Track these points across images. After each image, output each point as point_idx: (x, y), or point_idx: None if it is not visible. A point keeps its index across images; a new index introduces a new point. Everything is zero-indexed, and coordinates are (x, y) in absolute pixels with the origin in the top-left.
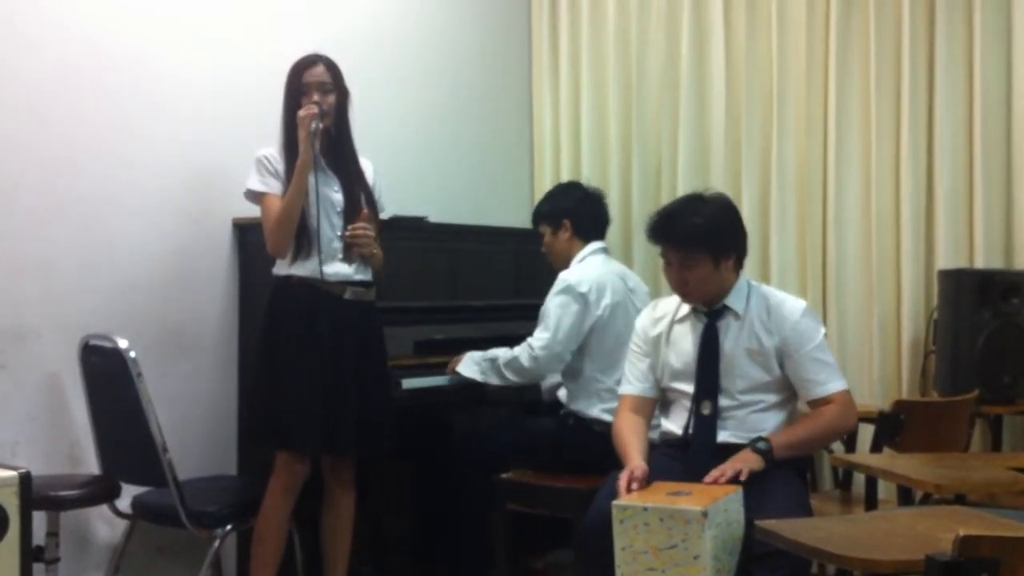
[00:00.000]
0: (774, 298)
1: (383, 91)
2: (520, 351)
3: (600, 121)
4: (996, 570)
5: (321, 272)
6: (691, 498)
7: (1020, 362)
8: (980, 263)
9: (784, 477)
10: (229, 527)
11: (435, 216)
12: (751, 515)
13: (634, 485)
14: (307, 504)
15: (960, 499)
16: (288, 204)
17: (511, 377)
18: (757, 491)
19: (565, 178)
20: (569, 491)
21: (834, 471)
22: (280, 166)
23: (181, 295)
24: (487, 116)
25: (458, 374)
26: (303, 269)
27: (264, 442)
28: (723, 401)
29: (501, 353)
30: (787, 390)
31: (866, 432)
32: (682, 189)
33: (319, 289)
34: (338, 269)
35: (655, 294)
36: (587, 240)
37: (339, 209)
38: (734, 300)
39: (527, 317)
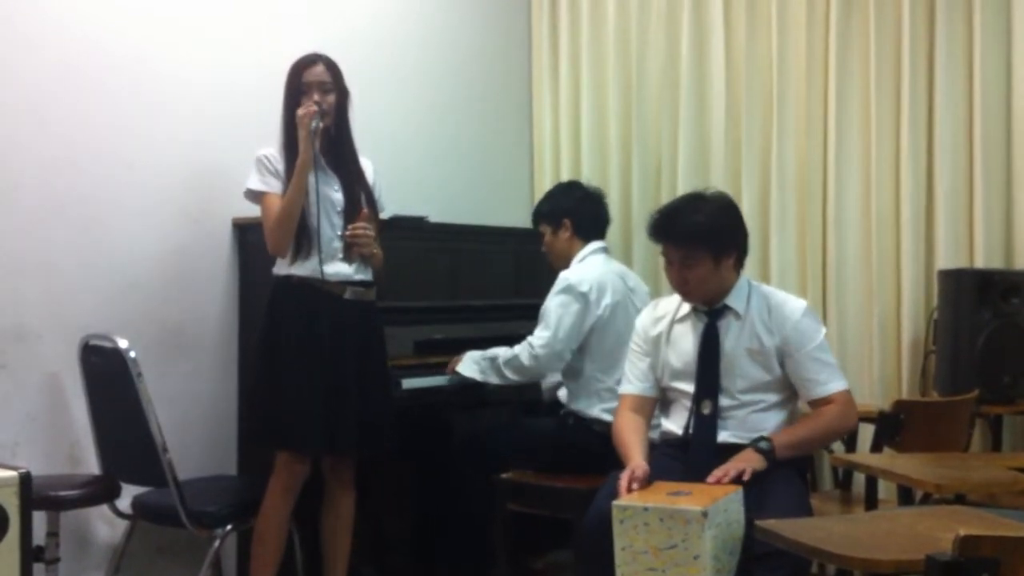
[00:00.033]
0: (775, 298)
1: (383, 91)
2: (520, 350)
3: (600, 121)
4: (996, 570)
5: (321, 272)
6: (691, 498)
7: (1020, 362)
8: (980, 263)
9: (784, 477)
10: (229, 527)
11: (435, 216)
12: (751, 515)
13: (634, 485)
14: (307, 504)
15: (960, 499)
16: (288, 203)
17: (511, 376)
18: (757, 491)
19: (565, 178)
20: (569, 491)
21: (834, 471)
22: (280, 165)
23: (181, 295)
24: (487, 116)
25: (458, 374)
26: (303, 269)
27: (264, 442)
28: (723, 401)
29: (501, 352)
30: (787, 390)
31: (866, 432)
32: (682, 189)
33: (319, 289)
34: (338, 269)
35: (655, 294)
36: (587, 240)
37: (339, 209)
38: (735, 300)
39: (527, 317)
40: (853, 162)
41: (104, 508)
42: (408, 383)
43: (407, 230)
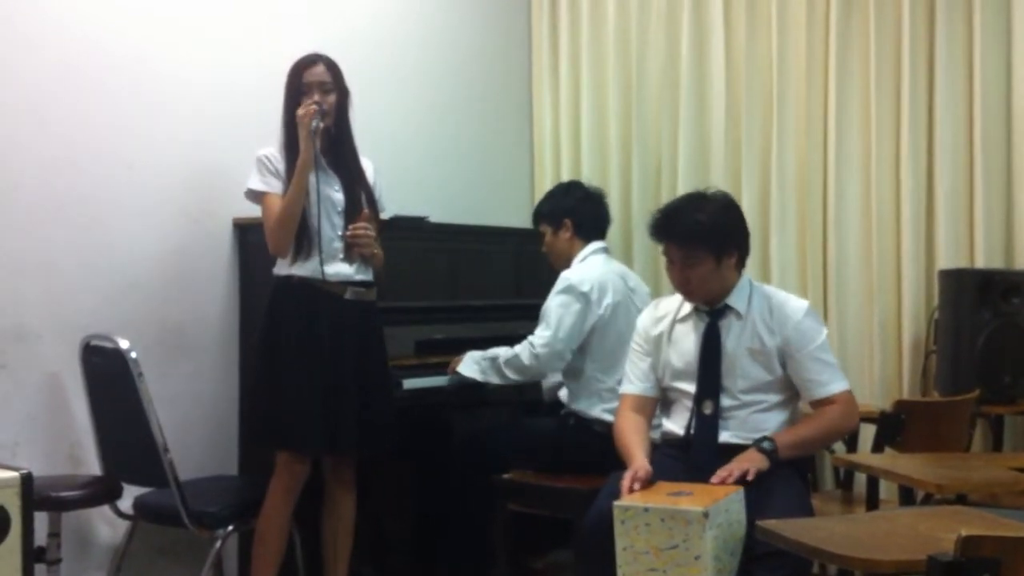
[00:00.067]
0: (776, 298)
1: (383, 91)
2: (521, 349)
3: (600, 121)
4: (998, 570)
5: (322, 272)
6: (692, 498)
7: (1021, 362)
8: (980, 263)
9: (785, 477)
10: (230, 528)
11: (435, 216)
12: (752, 515)
13: (636, 485)
14: (308, 505)
15: (961, 499)
16: (289, 203)
17: (511, 376)
18: (758, 491)
19: (565, 178)
20: (570, 491)
21: (835, 471)
22: (281, 165)
23: (182, 295)
24: (487, 116)
25: (459, 374)
26: (304, 269)
27: (265, 442)
28: (725, 401)
29: (502, 352)
30: (789, 390)
31: (867, 432)
32: (682, 189)
33: (320, 289)
34: (339, 269)
35: (655, 294)
36: (588, 240)
37: (340, 209)
38: (736, 299)
39: (528, 317)
40: (853, 162)
41: (105, 509)
42: (409, 383)
43: (407, 230)
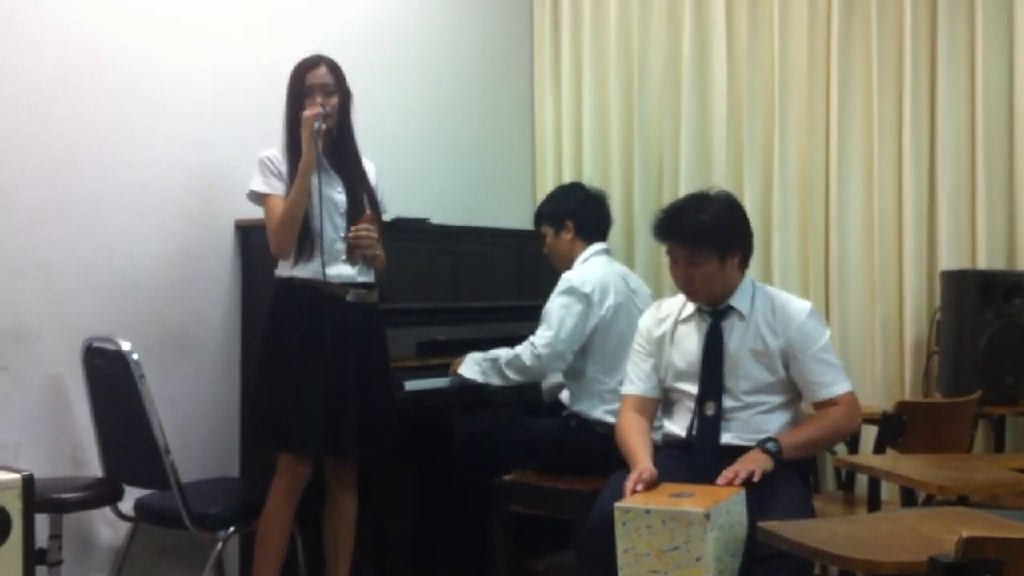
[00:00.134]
0: (779, 299)
1: (384, 91)
2: (522, 349)
3: (602, 121)
4: (1000, 571)
5: (324, 274)
6: (693, 500)
7: (1022, 363)
8: (982, 264)
9: (787, 479)
10: (232, 529)
11: (437, 217)
12: (753, 516)
13: (640, 487)
14: (309, 506)
15: (963, 500)
16: (291, 205)
17: (512, 376)
18: (760, 493)
19: (567, 178)
20: (571, 492)
21: (837, 472)
22: (283, 167)
23: (183, 297)
24: (488, 116)
25: (460, 376)
26: (306, 271)
27: (266, 443)
28: (727, 402)
29: (503, 353)
30: (791, 391)
31: (869, 433)
32: (684, 189)
33: (321, 291)
34: (341, 271)
35: (657, 295)
36: (589, 241)
37: (342, 210)
38: (739, 300)
39: (529, 318)
40: (855, 162)
41: (106, 510)
42: (410, 385)
43: (409, 232)
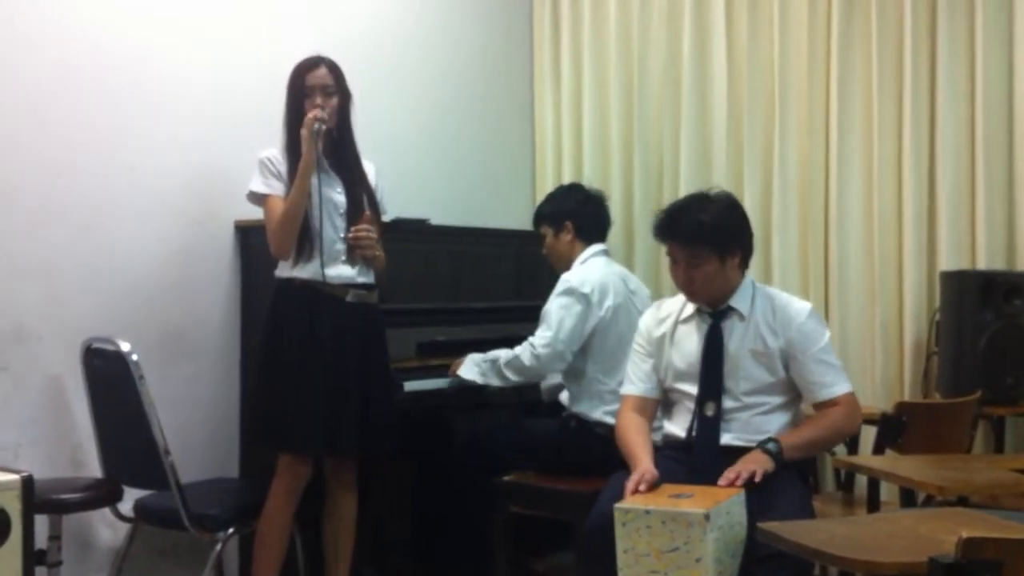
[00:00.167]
0: (779, 299)
1: (384, 92)
2: (521, 350)
3: (602, 121)
4: (999, 572)
5: (323, 274)
6: (693, 500)
7: (1022, 363)
8: (982, 264)
9: (787, 479)
10: (231, 530)
11: (436, 218)
12: (753, 517)
13: (642, 487)
14: (309, 506)
15: (963, 501)
16: (291, 206)
17: (512, 377)
18: (760, 493)
19: (567, 179)
20: (571, 493)
21: (836, 473)
22: (283, 168)
23: (183, 298)
24: (488, 117)
25: (459, 377)
26: (305, 271)
27: (266, 444)
28: (727, 403)
29: (502, 354)
30: (791, 392)
31: (868, 434)
32: (684, 189)
33: (321, 291)
34: (340, 271)
35: (656, 295)
36: (589, 242)
37: (342, 211)
38: (739, 301)
39: (529, 319)
40: (855, 162)
41: (106, 511)
42: (410, 385)
43: (409, 232)
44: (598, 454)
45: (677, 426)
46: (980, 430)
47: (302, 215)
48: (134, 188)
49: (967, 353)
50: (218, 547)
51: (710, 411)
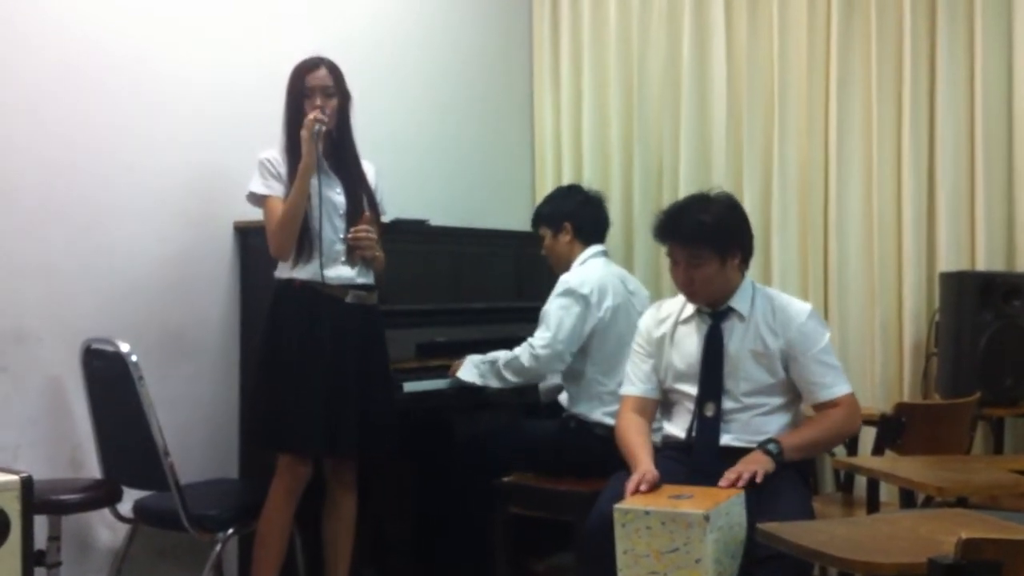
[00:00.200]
0: (779, 300)
1: (383, 92)
2: (521, 351)
3: (601, 122)
4: (999, 573)
5: (322, 275)
6: (693, 501)
7: (1022, 364)
8: (982, 265)
9: (787, 480)
10: (231, 531)
11: (436, 219)
12: (753, 518)
13: (643, 487)
14: (309, 506)
15: (962, 502)
16: (291, 207)
17: (511, 378)
18: (759, 494)
19: (567, 179)
20: (570, 494)
21: (836, 474)
22: (282, 169)
23: (182, 298)
24: (488, 117)
25: (458, 379)
26: (305, 272)
27: (266, 444)
28: (727, 403)
29: (501, 355)
30: (791, 393)
31: (868, 434)
32: (684, 190)
33: (321, 292)
34: (340, 272)
35: (656, 296)
36: (588, 243)
37: (341, 212)
38: (739, 301)
39: (529, 319)
40: (855, 163)
41: (105, 512)
42: (409, 386)
43: (408, 233)
44: (598, 455)
45: (677, 427)
46: (979, 431)
47: (302, 216)
48: (134, 188)
49: (966, 354)
50: (217, 548)
51: (710, 412)
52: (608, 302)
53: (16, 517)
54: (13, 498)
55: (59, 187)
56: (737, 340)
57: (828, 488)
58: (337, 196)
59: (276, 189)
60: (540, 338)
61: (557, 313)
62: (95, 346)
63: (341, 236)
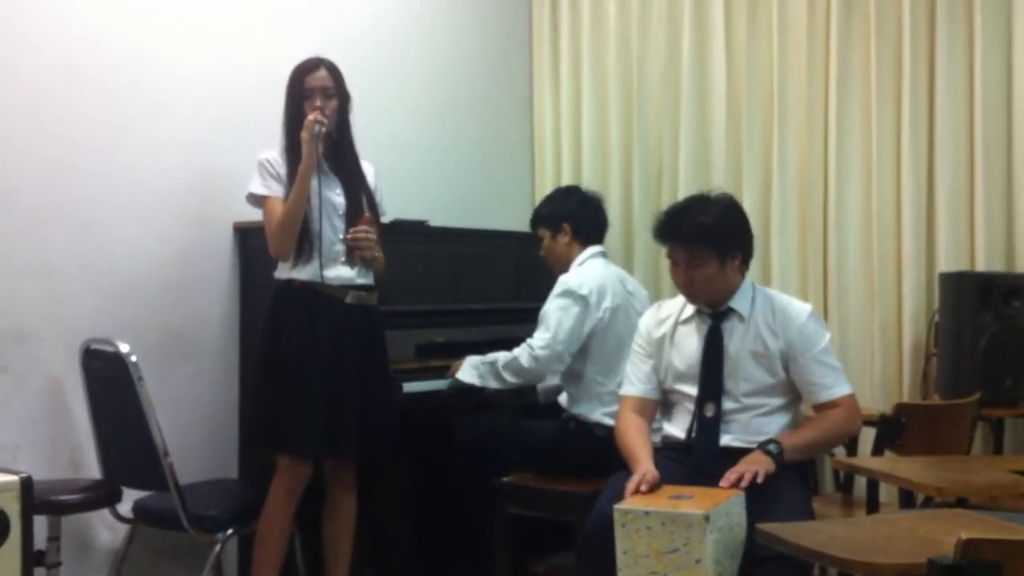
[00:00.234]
0: (779, 300)
1: (383, 92)
2: (520, 352)
3: (601, 122)
4: (999, 573)
5: (322, 276)
6: (693, 502)
7: (1021, 365)
8: (981, 266)
9: (787, 481)
10: (230, 531)
11: (436, 219)
12: (753, 518)
13: (643, 488)
14: (308, 506)
15: (962, 502)
16: (291, 208)
17: (510, 379)
18: (760, 495)
19: (566, 180)
20: (570, 494)
21: (835, 474)
22: (282, 169)
23: (182, 299)
24: (488, 117)
25: (458, 380)
26: (304, 273)
27: (266, 445)
28: (727, 404)
29: (500, 356)
30: (791, 393)
31: (867, 435)
32: (683, 190)
33: (320, 293)
34: (340, 272)
35: (655, 296)
36: (586, 244)
37: (341, 212)
38: (739, 302)
39: (528, 320)
40: (854, 164)
41: (105, 512)
42: (408, 387)
43: (408, 234)
44: (597, 455)
45: (677, 427)
46: (979, 432)
47: (302, 218)
48: (134, 188)
49: (966, 355)
50: (217, 548)
51: (710, 412)
52: (607, 303)
53: (16, 517)
54: (13, 498)
55: (59, 187)
56: (737, 341)
57: (828, 488)
58: (337, 197)
59: (276, 190)
60: (539, 339)
61: (556, 314)
62: (95, 346)
63: (341, 237)
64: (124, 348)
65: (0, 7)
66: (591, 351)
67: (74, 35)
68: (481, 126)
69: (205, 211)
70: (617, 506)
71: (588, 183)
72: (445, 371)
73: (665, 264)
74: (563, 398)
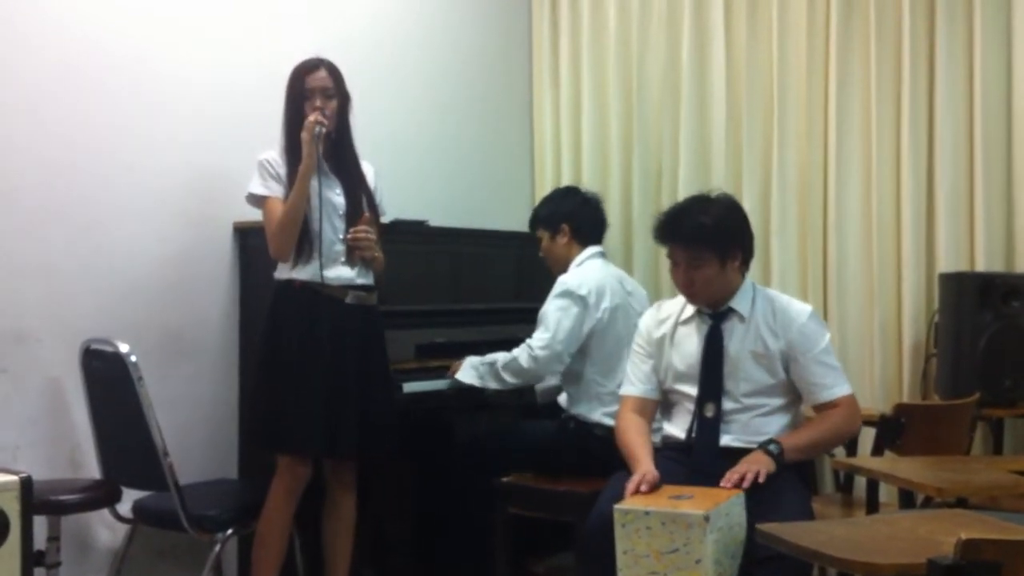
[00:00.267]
0: (779, 301)
1: (383, 92)
2: (519, 352)
3: (601, 123)
4: (998, 573)
5: (322, 276)
6: (693, 502)
7: (1021, 365)
8: (981, 266)
9: (788, 481)
10: (230, 531)
11: (436, 219)
12: (753, 519)
13: (643, 488)
14: (308, 507)
15: (962, 502)
16: (291, 208)
17: (509, 379)
18: (761, 495)
19: (566, 181)
20: (570, 495)
21: (835, 474)
22: (282, 170)
23: (182, 299)
24: (488, 118)
25: (457, 380)
26: (304, 273)
27: (266, 445)
28: (727, 404)
29: (500, 357)
30: (791, 394)
31: (867, 435)
32: (683, 192)
33: (320, 293)
34: (340, 272)
35: (655, 297)
36: (585, 244)
37: (341, 212)
38: (739, 302)
39: (528, 320)
40: (854, 165)
41: (105, 512)
42: (408, 387)
43: (408, 234)
44: (597, 455)
45: (677, 427)
46: (978, 432)
47: (302, 218)
48: (134, 188)
49: (966, 355)
50: (217, 548)
51: (710, 412)
52: (606, 303)
53: (16, 517)
54: (13, 498)
55: (59, 187)
56: (737, 341)
57: (828, 489)
58: (337, 197)
59: (275, 190)
60: (539, 339)
61: (555, 314)
62: (95, 346)
63: (341, 237)
64: (124, 348)
65: (0, 7)
66: (590, 351)
67: (74, 35)
68: (481, 126)
69: (205, 211)
70: (617, 506)
71: (588, 184)
72: (445, 371)
73: (665, 264)
74: (563, 398)
